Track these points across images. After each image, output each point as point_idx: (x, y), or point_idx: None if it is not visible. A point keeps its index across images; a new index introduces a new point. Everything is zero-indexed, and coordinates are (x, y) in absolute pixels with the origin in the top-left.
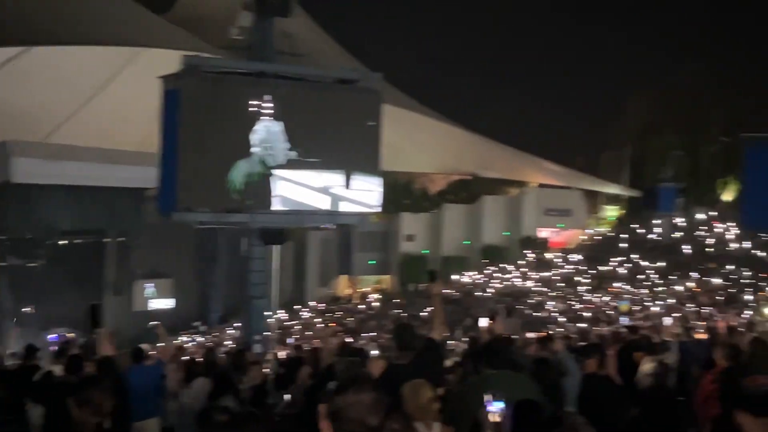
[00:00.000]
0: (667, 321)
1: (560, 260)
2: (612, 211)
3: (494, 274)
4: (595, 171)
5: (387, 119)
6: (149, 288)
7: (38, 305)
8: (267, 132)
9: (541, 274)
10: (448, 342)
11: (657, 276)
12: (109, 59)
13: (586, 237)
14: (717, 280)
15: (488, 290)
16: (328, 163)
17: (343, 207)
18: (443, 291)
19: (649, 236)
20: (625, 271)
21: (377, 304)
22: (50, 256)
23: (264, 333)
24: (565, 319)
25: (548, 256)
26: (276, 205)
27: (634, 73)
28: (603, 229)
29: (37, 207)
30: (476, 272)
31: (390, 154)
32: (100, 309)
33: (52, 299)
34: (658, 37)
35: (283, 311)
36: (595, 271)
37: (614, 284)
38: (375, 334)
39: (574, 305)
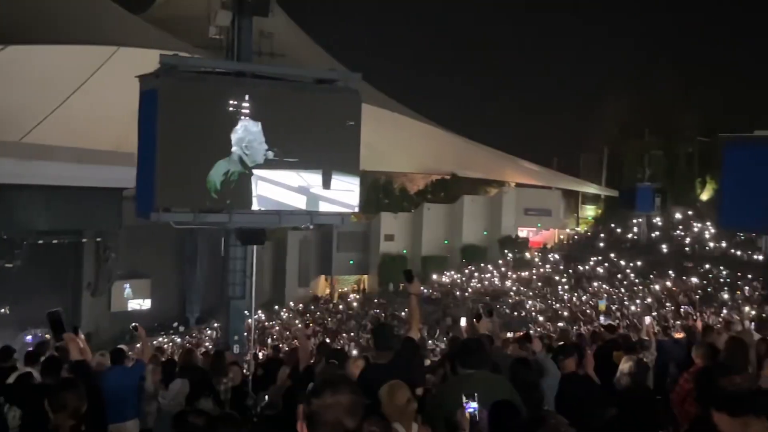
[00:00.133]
0: (647, 320)
1: (539, 260)
2: (590, 211)
3: (474, 274)
4: (573, 171)
5: (366, 119)
6: (128, 288)
7: (15, 306)
8: (246, 131)
9: (521, 273)
10: (428, 342)
11: (635, 275)
12: (86, 59)
13: (564, 237)
14: (694, 279)
15: (468, 290)
16: (307, 163)
17: (323, 207)
18: (421, 291)
19: (628, 236)
20: (604, 271)
21: (357, 304)
22: (27, 257)
23: (243, 334)
24: (543, 319)
25: (527, 255)
26: (255, 205)
27: (612, 75)
28: (581, 229)
29: (14, 207)
30: (456, 272)
31: (370, 154)
32: (60, 315)
33: (29, 300)
34: (635, 40)
35: (263, 312)
36: (573, 271)
37: (593, 283)
38: (354, 334)
39: (553, 304)
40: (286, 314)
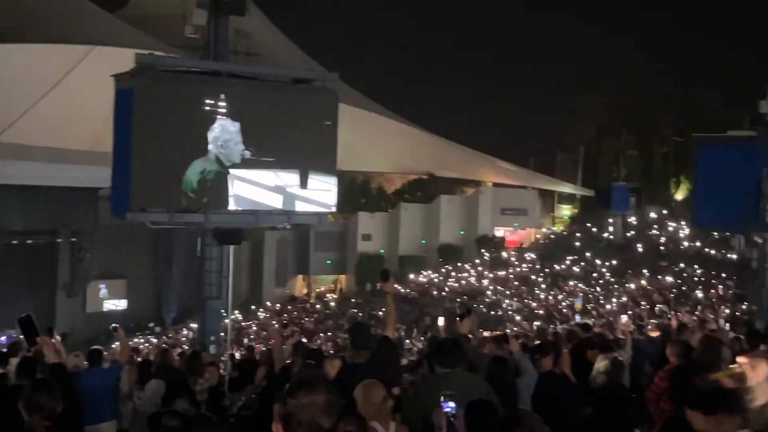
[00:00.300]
0: (624, 318)
1: (516, 259)
2: (566, 211)
3: (450, 273)
4: (549, 171)
5: (344, 119)
6: (103, 289)
7: None
8: (222, 131)
9: (497, 272)
10: (405, 341)
11: (610, 274)
12: (61, 57)
13: (541, 236)
14: (669, 278)
15: (445, 289)
16: (284, 163)
17: (300, 207)
18: (396, 290)
19: (603, 235)
20: (580, 270)
21: (334, 303)
22: (1, 258)
23: (220, 334)
24: (520, 318)
25: (504, 255)
26: (232, 205)
27: (587, 75)
28: (558, 229)
29: None
30: (433, 271)
31: (347, 154)
32: (31, 320)
33: (3, 301)
34: (611, 39)
35: (240, 312)
36: (549, 270)
37: (569, 282)
38: (332, 333)
39: (529, 303)
40: (263, 314)
